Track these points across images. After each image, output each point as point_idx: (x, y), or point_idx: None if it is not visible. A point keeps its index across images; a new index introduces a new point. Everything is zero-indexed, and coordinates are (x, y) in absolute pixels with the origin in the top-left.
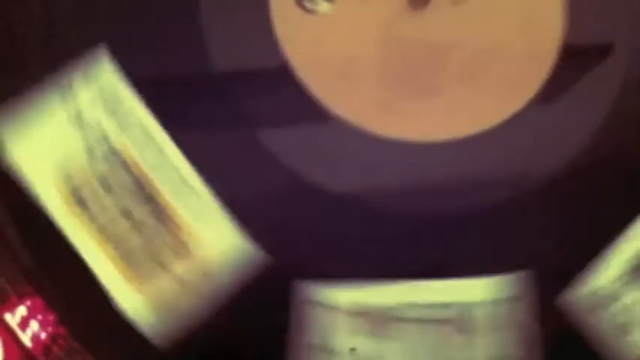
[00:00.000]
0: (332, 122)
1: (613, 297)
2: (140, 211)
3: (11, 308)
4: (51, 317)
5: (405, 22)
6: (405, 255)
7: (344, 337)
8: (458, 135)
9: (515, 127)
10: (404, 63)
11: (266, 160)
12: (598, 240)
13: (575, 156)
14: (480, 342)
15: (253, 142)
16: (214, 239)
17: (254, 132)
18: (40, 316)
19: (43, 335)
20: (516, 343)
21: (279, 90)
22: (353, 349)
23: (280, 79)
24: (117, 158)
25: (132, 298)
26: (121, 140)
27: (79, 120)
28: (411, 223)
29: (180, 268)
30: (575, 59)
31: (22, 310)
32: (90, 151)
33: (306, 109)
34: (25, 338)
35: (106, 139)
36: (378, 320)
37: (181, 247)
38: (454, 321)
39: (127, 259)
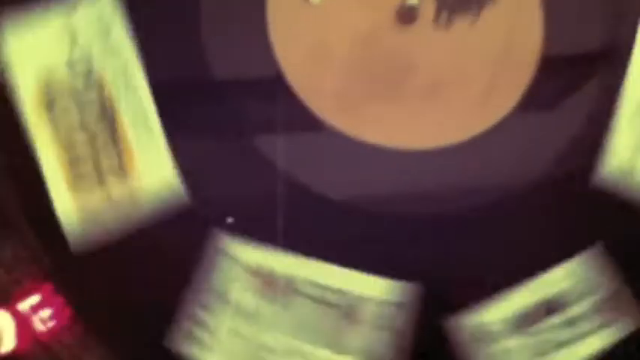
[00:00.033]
0: (325, 130)
1: (497, 336)
2: (97, 128)
3: (24, 296)
4: (62, 305)
5: (388, 32)
6: (377, 254)
7: (238, 290)
8: (438, 144)
9: (497, 136)
10: (376, 67)
11: (262, 165)
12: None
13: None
14: (358, 333)
15: (250, 148)
16: (152, 172)
17: (251, 138)
18: (51, 304)
19: (55, 323)
20: (389, 346)
21: (275, 98)
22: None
23: (276, 88)
24: (93, 79)
25: (66, 202)
26: (102, 65)
27: (72, 36)
28: (393, 225)
29: (114, 187)
30: (555, 70)
31: (34, 298)
32: (72, 66)
33: (300, 116)
34: (38, 326)
35: (89, 59)
36: (273, 285)
37: (121, 170)
38: (342, 307)
39: (74, 167)
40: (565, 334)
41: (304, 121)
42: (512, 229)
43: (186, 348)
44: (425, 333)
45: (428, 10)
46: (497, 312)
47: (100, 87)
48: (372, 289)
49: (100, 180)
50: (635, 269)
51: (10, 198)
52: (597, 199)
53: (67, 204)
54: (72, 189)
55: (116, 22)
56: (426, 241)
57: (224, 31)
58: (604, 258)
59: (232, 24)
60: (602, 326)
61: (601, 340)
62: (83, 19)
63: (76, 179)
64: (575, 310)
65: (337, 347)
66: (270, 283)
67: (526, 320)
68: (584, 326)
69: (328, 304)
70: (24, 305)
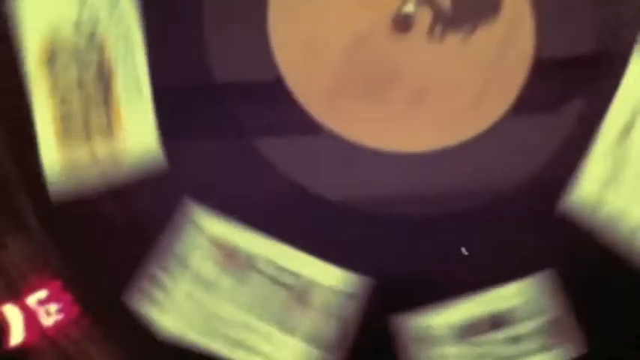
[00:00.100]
0: (324, 133)
1: (439, 341)
2: (92, 88)
3: (32, 291)
4: (70, 300)
5: (384, 38)
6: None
7: (199, 258)
8: (432, 148)
9: (490, 140)
10: (372, 71)
11: (263, 167)
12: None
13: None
14: (307, 316)
15: (251, 150)
16: (136, 136)
17: (251, 141)
18: (59, 299)
19: (62, 317)
20: (334, 333)
21: (275, 102)
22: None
23: (276, 92)
24: (96, 41)
25: (52, 154)
26: (107, 29)
27: None
28: (388, 226)
29: (100, 146)
30: (547, 74)
31: (42, 293)
32: (78, 26)
33: (299, 119)
34: (45, 320)
35: (96, 22)
36: (234, 259)
37: (109, 130)
38: (295, 290)
39: (65, 121)
40: (506, 350)
41: (303, 124)
42: (482, 237)
43: (142, 306)
44: (371, 327)
45: (424, 19)
46: (444, 317)
47: (101, 50)
48: (327, 276)
49: (88, 137)
50: (584, 298)
51: (22, 196)
52: (562, 223)
53: (53, 155)
54: (60, 142)
55: None
56: (401, 240)
57: (226, 35)
58: (557, 282)
59: (234, 28)
60: (544, 348)
61: None
62: None
63: (65, 133)
64: (520, 329)
65: (285, 327)
66: (231, 257)
67: (470, 330)
68: (527, 345)
69: (283, 285)
70: (32, 299)
